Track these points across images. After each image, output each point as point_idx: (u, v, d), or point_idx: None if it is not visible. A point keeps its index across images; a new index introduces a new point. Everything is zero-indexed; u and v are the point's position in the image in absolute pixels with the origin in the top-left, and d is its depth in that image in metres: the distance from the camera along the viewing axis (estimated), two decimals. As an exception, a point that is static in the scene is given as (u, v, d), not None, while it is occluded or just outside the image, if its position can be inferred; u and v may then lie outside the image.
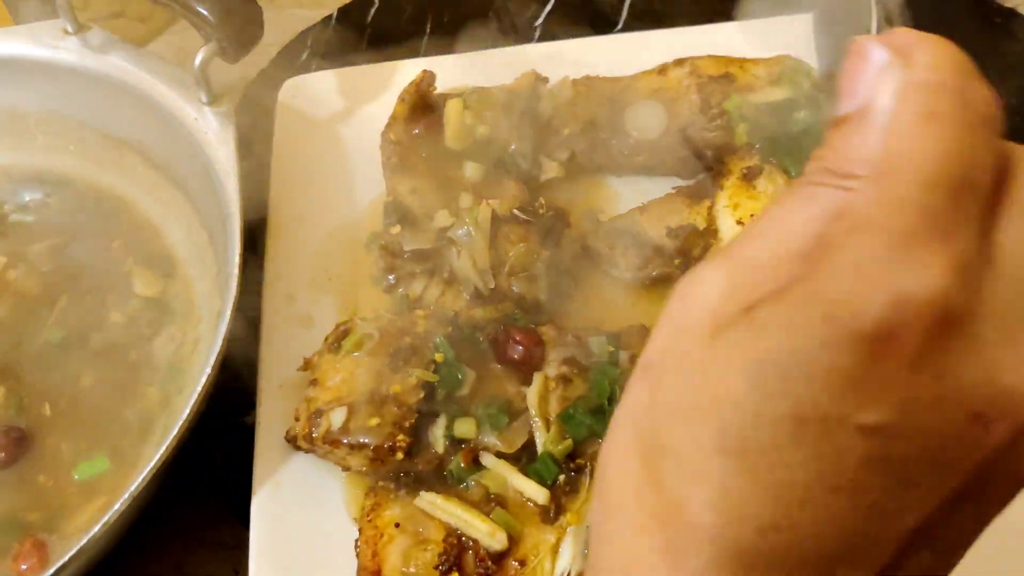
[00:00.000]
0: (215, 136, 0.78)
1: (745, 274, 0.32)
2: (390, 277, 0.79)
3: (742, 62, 0.91)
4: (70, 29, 0.85)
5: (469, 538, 0.66)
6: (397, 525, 0.66)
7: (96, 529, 0.61)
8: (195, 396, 0.66)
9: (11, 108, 0.91)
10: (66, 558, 0.60)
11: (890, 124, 0.31)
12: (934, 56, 0.33)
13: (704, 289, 0.33)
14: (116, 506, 0.62)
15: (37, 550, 0.71)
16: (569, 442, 0.69)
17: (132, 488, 0.62)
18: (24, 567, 0.71)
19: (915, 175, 0.30)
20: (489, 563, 0.65)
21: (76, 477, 0.76)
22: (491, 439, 0.69)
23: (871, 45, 0.34)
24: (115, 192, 0.91)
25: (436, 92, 0.89)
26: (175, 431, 0.64)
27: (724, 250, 0.34)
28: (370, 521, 0.67)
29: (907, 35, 0.35)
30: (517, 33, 1.07)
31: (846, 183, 0.32)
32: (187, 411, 0.65)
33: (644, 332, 0.75)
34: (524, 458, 0.69)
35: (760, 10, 0.97)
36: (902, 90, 0.32)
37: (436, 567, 0.64)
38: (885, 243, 0.29)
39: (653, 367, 0.33)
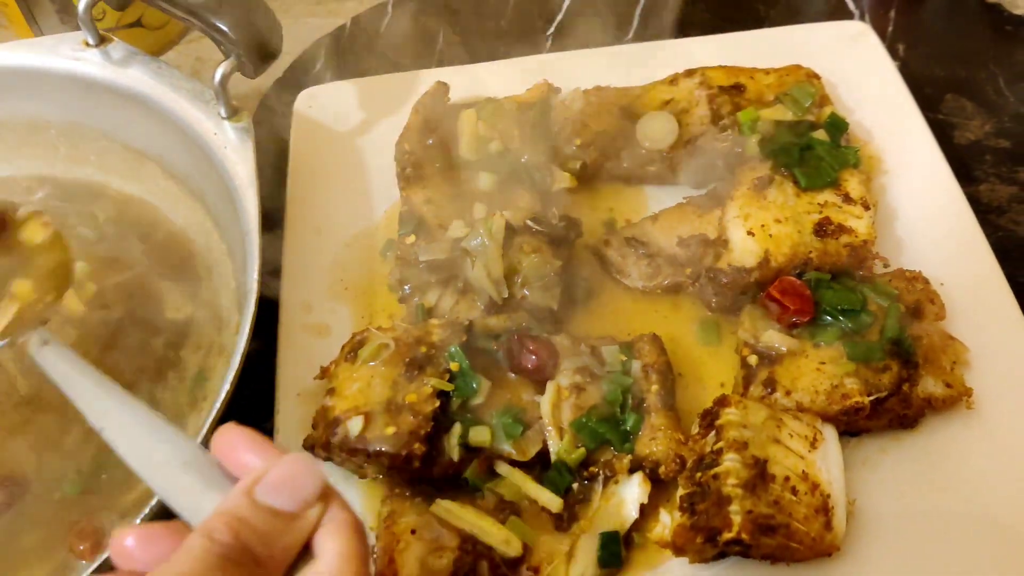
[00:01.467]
0: (234, 150, 0.79)
1: None
2: (405, 287, 0.80)
3: (752, 72, 0.91)
4: (91, 41, 0.86)
5: (484, 545, 0.67)
6: (413, 532, 0.67)
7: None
8: (216, 407, 0.67)
9: (33, 119, 0.92)
10: (96, 564, 0.62)
11: (318, 559, 0.43)
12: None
13: None
14: (144, 511, 0.63)
15: (94, 535, 0.73)
16: (582, 451, 0.70)
17: (152, 503, 0.63)
18: (81, 548, 0.73)
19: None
20: (504, 570, 0.66)
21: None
22: (505, 447, 0.70)
23: (315, 467, 0.44)
24: (135, 203, 0.93)
25: (450, 103, 0.90)
26: (199, 439, 0.65)
27: None
28: (387, 528, 0.68)
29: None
30: (529, 44, 1.08)
31: (259, 571, 0.41)
32: (208, 422, 0.66)
33: (656, 341, 0.76)
34: (538, 466, 0.71)
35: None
36: (328, 528, 0.43)
37: (451, 573, 0.65)
38: None
39: None
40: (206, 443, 0.65)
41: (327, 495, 0.44)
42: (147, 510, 0.63)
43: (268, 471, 0.44)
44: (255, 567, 0.41)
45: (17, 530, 0.74)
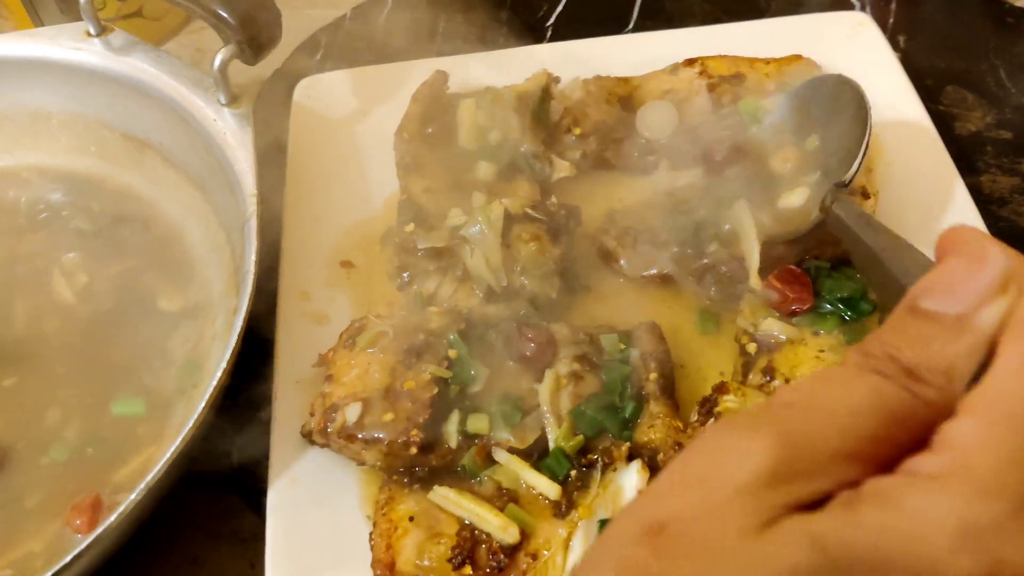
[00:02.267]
0: (233, 137, 0.79)
1: (797, 460, 0.30)
2: (404, 275, 0.80)
3: (752, 61, 0.91)
4: (93, 31, 0.86)
5: (482, 532, 0.67)
6: (411, 519, 0.67)
7: (112, 519, 0.62)
8: (211, 389, 0.67)
9: (35, 109, 0.92)
10: (82, 547, 0.61)
11: (1005, 367, 0.31)
12: None
13: (747, 460, 0.30)
14: (132, 495, 0.63)
15: (93, 509, 0.73)
16: (580, 438, 0.69)
17: (148, 478, 0.63)
18: (78, 522, 0.72)
19: (1011, 457, 0.29)
20: (502, 557, 0.66)
21: (114, 412, 0.78)
22: (504, 435, 0.70)
23: (995, 253, 0.33)
24: (135, 193, 0.93)
25: (449, 92, 0.90)
26: (191, 424, 0.65)
27: (770, 413, 0.32)
28: (384, 515, 0.68)
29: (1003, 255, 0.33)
30: (529, 33, 1.08)
31: (915, 387, 0.31)
32: (203, 404, 0.66)
33: (655, 329, 0.76)
34: (536, 454, 0.70)
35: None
36: (1016, 331, 0.31)
37: (449, 560, 0.65)
38: (979, 514, 0.28)
39: (667, 533, 0.29)
40: (198, 426, 0.66)
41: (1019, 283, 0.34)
42: (149, 478, 0.63)
43: (931, 273, 0.35)
44: (913, 382, 0.32)
45: (13, 496, 0.75)
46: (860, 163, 0.72)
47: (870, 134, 0.73)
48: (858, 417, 0.31)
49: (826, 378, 0.33)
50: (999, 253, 0.33)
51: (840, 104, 0.77)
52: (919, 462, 0.31)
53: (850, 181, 0.72)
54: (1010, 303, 0.32)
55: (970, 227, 0.36)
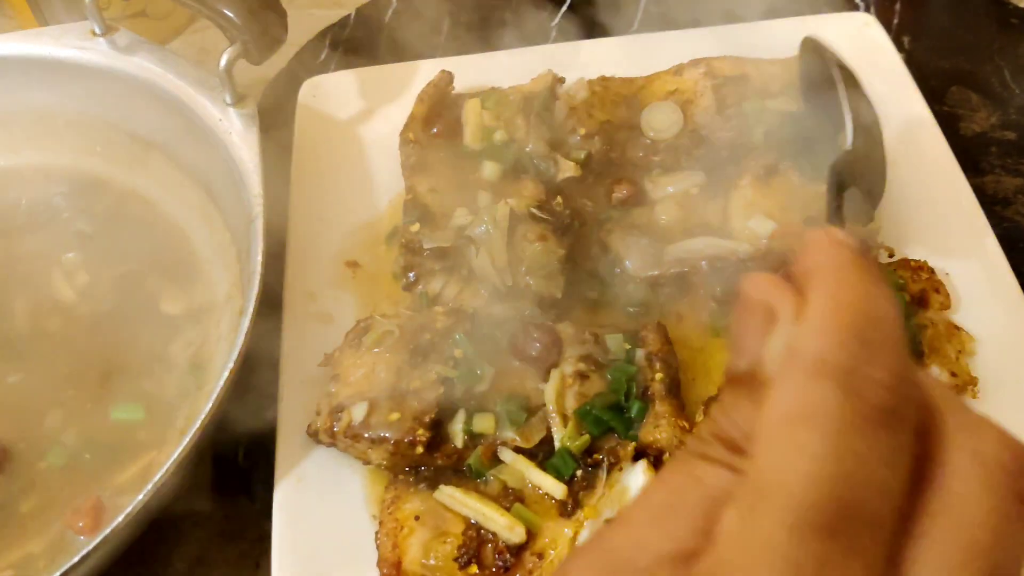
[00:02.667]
0: (239, 137, 0.79)
1: (611, 573, 0.28)
2: (410, 274, 0.80)
3: (757, 62, 0.91)
4: (98, 31, 0.86)
5: (488, 531, 0.67)
6: (417, 518, 0.67)
7: (119, 520, 0.62)
8: (218, 389, 0.67)
9: (40, 109, 0.92)
10: (89, 547, 0.62)
11: (763, 428, 0.27)
12: (827, 318, 0.27)
13: None
14: (139, 497, 0.63)
15: (95, 511, 0.73)
16: (586, 438, 0.70)
17: (156, 478, 0.63)
18: (80, 524, 0.73)
19: (782, 514, 0.25)
20: (508, 556, 0.66)
21: (113, 417, 0.78)
22: (509, 434, 0.70)
23: (756, 290, 0.30)
24: (140, 193, 0.93)
25: (454, 92, 0.91)
26: (197, 424, 0.65)
27: (600, 535, 0.30)
28: (390, 514, 0.68)
29: (808, 263, 0.29)
30: (534, 34, 1.08)
31: (739, 461, 0.29)
32: (210, 404, 0.66)
33: (661, 330, 0.76)
34: (541, 453, 0.70)
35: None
36: (783, 369, 0.27)
37: (455, 559, 0.65)
38: None
39: None
40: (205, 427, 0.66)
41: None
42: (156, 478, 0.63)
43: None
44: (737, 456, 0.30)
45: (12, 498, 0.75)
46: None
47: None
48: (679, 515, 0.28)
49: (653, 481, 0.31)
50: (757, 284, 0.30)
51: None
52: (698, 568, 0.28)
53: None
54: (782, 330, 0.29)
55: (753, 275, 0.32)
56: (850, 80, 0.73)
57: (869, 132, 0.72)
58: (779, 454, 0.26)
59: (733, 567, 0.25)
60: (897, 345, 0.27)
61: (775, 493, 0.25)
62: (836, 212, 0.64)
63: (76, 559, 0.60)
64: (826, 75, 0.75)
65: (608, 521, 0.67)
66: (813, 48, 0.82)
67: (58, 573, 0.60)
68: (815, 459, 0.25)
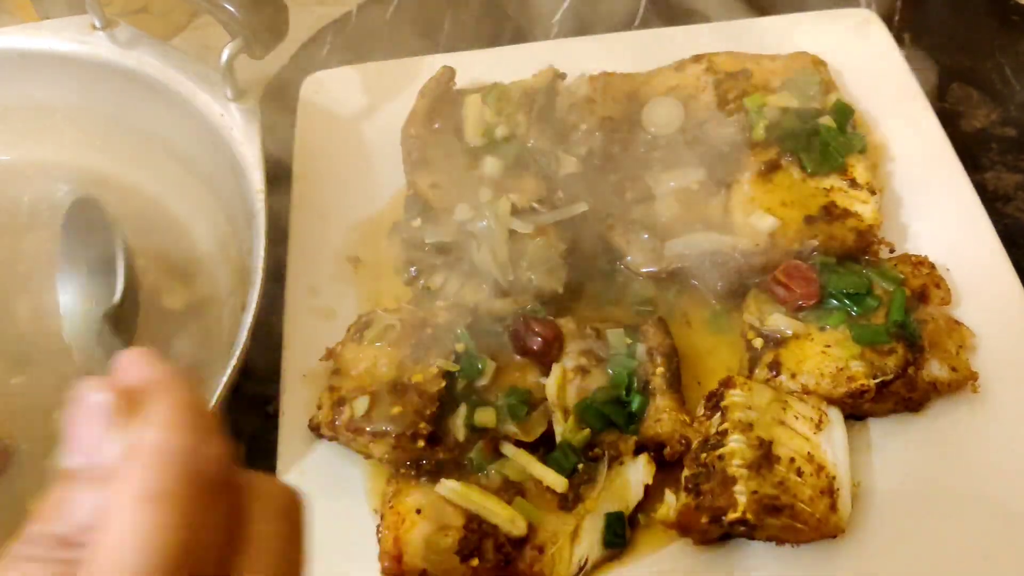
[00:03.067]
0: (240, 132, 0.79)
1: None
2: (411, 269, 0.80)
3: (758, 58, 0.91)
4: (98, 24, 0.86)
5: (489, 525, 0.67)
6: (418, 511, 0.67)
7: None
8: (220, 385, 0.67)
9: (39, 103, 0.92)
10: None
11: (112, 510, 0.31)
12: (167, 411, 0.33)
13: None
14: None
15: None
16: (587, 432, 0.70)
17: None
18: None
19: None
20: (509, 549, 0.66)
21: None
22: (511, 428, 0.70)
23: (94, 395, 0.34)
24: (140, 189, 0.93)
25: (456, 88, 0.90)
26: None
27: None
28: (392, 507, 0.68)
29: (141, 371, 0.34)
30: (535, 29, 1.08)
31: (75, 553, 0.31)
32: (212, 400, 0.66)
33: (662, 325, 0.76)
34: (542, 447, 0.71)
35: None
36: (127, 459, 0.32)
37: (456, 552, 0.65)
38: None
39: None
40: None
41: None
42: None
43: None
44: (71, 550, 0.34)
45: (18, 498, 0.75)
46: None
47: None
48: None
49: None
50: (94, 390, 0.34)
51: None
52: None
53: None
54: (125, 430, 0.33)
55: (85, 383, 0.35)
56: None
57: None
58: (128, 529, 0.30)
59: None
60: (220, 430, 0.34)
61: (112, 567, 0.30)
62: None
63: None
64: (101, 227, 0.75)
65: (608, 515, 0.68)
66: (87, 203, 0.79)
67: None
68: (164, 529, 0.30)
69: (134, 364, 0.35)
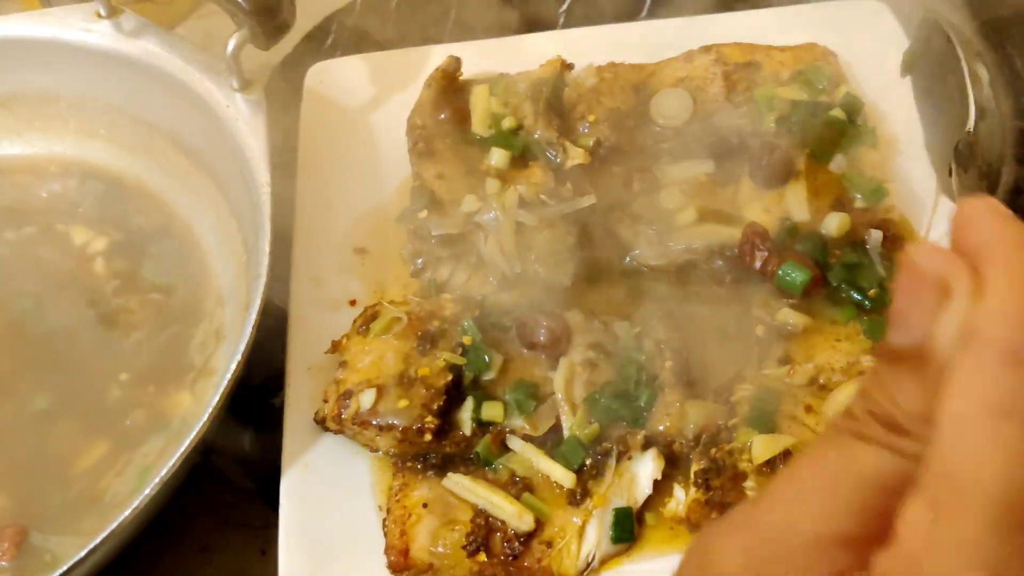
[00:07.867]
0: (245, 123, 0.78)
1: (770, 560, 0.27)
2: (418, 261, 0.79)
3: (768, 49, 0.90)
4: (103, 12, 0.85)
5: (496, 519, 0.66)
6: (425, 505, 0.67)
7: (128, 512, 0.62)
8: (225, 380, 0.66)
9: (44, 92, 0.92)
10: (99, 538, 0.61)
11: (950, 415, 0.25)
12: (1010, 298, 0.26)
13: (720, 565, 0.28)
14: (147, 490, 0.63)
15: (17, 536, 0.71)
16: (596, 426, 0.69)
17: (163, 472, 0.63)
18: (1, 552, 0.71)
19: (981, 513, 0.24)
20: (516, 544, 0.65)
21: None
22: (518, 422, 0.69)
23: (928, 261, 0.28)
24: (144, 180, 0.92)
25: (462, 78, 0.90)
26: (205, 417, 0.65)
27: (744, 512, 0.29)
28: (398, 501, 0.68)
29: (975, 236, 0.28)
30: (542, 20, 1.07)
31: (900, 442, 0.27)
32: (217, 394, 0.66)
33: (669, 318, 0.76)
34: (550, 442, 0.70)
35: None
36: (968, 354, 0.26)
37: (464, 547, 0.65)
38: None
39: None
40: (212, 419, 0.65)
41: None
42: (163, 471, 0.62)
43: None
44: (896, 437, 0.28)
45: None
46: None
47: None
48: (836, 497, 0.27)
49: (802, 457, 0.29)
50: (928, 255, 0.28)
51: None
52: (879, 561, 0.26)
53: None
54: (959, 308, 0.27)
55: (920, 245, 0.30)
56: (972, 60, 0.72)
57: (990, 114, 0.71)
58: (974, 447, 0.25)
59: (929, 565, 0.25)
60: None
61: (971, 489, 0.24)
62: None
63: (83, 553, 0.60)
64: (947, 55, 0.72)
65: (617, 511, 0.67)
66: (933, 26, 0.79)
67: (64, 568, 0.60)
68: (1016, 456, 0.24)
69: (973, 220, 0.28)
